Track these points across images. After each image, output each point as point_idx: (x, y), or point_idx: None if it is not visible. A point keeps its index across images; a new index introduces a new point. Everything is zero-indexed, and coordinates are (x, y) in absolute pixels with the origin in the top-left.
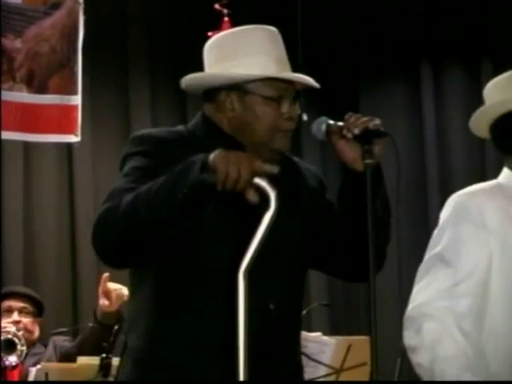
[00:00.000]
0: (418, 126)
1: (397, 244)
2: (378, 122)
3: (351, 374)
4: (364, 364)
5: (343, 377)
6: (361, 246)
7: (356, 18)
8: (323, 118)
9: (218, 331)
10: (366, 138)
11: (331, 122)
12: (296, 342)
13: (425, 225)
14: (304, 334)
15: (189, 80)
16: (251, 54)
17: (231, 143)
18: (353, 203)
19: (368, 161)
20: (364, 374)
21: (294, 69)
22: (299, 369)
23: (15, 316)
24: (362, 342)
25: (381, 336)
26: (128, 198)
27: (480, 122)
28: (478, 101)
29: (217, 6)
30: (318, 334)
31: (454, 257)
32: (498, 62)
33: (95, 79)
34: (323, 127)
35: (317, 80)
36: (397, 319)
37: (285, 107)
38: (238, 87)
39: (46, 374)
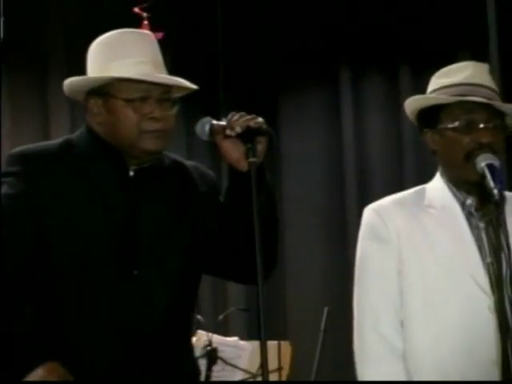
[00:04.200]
0: (337, 131)
1: (312, 247)
2: (259, 119)
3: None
4: (281, 369)
5: None
6: (251, 247)
7: (277, 23)
8: (207, 119)
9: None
10: (248, 137)
11: (215, 121)
12: (184, 354)
13: (343, 228)
14: (221, 338)
15: (65, 87)
16: (113, 59)
17: (109, 150)
18: (240, 203)
19: (251, 159)
20: (281, 378)
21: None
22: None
23: None
24: (280, 346)
25: (300, 340)
26: None
27: (408, 111)
28: (397, 107)
29: (136, 10)
30: (235, 338)
31: (361, 273)
32: (416, 69)
33: (13, 82)
34: (207, 127)
35: (236, 85)
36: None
37: (147, 108)
38: (101, 92)
39: None
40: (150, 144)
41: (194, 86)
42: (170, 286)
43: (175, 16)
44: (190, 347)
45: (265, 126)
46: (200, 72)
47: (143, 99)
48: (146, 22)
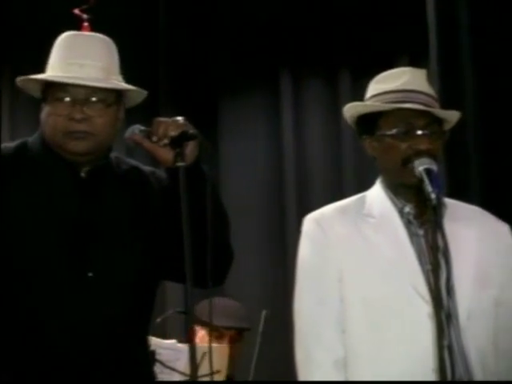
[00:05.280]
0: (276, 134)
1: (251, 249)
2: (183, 122)
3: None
4: (219, 372)
5: None
6: (198, 250)
7: (217, 26)
8: (136, 126)
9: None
10: (176, 142)
11: (142, 128)
12: (139, 357)
13: (282, 231)
14: (159, 341)
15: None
16: (52, 61)
17: (51, 154)
18: (178, 204)
19: (180, 163)
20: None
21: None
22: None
23: None
24: (217, 349)
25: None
26: None
27: (347, 117)
28: (336, 110)
29: (76, 11)
30: (173, 341)
31: (301, 283)
32: (356, 73)
33: None
34: (134, 135)
35: (177, 87)
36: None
37: (65, 109)
38: (42, 95)
39: None
40: (72, 145)
41: (108, 86)
42: (124, 288)
43: (116, 19)
44: (146, 350)
45: (191, 131)
46: (140, 74)
47: (59, 100)
48: (86, 24)
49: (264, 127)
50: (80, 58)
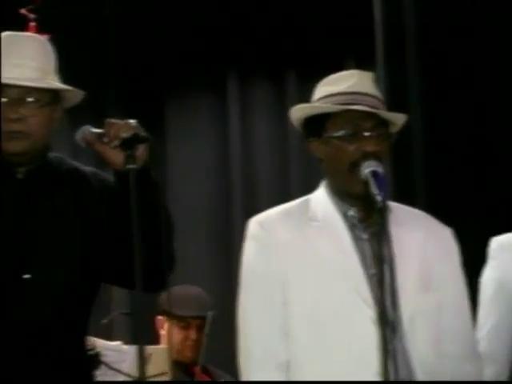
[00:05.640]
0: (223, 137)
1: (197, 252)
2: (134, 125)
3: None
4: (164, 373)
5: None
6: (145, 254)
7: (165, 27)
8: (86, 127)
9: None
10: (126, 144)
11: (93, 129)
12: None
13: (228, 234)
14: (104, 342)
15: None
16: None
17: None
18: (127, 205)
19: (131, 166)
20: None
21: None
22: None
23: None
24: (162, 351)
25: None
26: None
27: (293, 119)
28: (283, 112)
29: (23, 11)
30: (119, 343)
31: (245, 286)
32: (303, 75)
33: None
34: (84, 136)
35: (124, 91)
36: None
37: (2, 110)
38: None
39: None
40: (7, 145)
41: (42, 85)
42: (61, 290)
43: (63, 19)
44: (83, 351)
45: (142, 133)
46: (88, 74)
47: (8, 101)
48: (32, 24)
49: (211, 128)
50: (16, 59)
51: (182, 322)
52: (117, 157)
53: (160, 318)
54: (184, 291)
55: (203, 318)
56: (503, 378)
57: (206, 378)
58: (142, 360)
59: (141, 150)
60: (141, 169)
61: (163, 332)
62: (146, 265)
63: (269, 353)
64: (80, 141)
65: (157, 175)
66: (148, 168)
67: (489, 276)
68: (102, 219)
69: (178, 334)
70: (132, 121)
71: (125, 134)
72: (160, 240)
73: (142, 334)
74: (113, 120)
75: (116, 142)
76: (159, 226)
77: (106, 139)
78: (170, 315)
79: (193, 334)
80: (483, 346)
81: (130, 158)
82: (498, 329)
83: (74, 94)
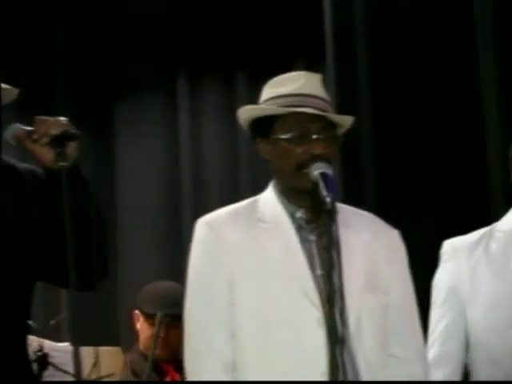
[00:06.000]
0: (173, 138)
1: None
2: (65, 122)
3: None
4: (112, 374)
5: None
6: (79, 253)
7: (115, 26)
8: (16, 124)
9: None
10: (57, 141)
11: (23, 127)
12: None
13: (178, 236)
14: (52, 344)
15: None
16: None
17: None
18: (57, 204)
19: (61, 163)
20: None
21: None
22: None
23: None
24: (110, 352)
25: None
26: None
27: (241, 120)
28: (233, 113)
29: None
30: (66, 344)
31: (192, 286)
32: (253, 75)
33: None
34: (14, 133)
35: (73, 90)
36: None
37: None
38: None
39: None
40: None
41: None
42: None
43: (12, 17)
44: (24, 353)
45: (73, 131)
46: (36, 72)
47: None
48: None
49: (160, 127)
50: None
51: (150, 319)
52: (47, 154)
53: (136, 312)
54: (155, 288)
55: (175, 316)
56: (456, 378)
57: (177, 376)
58: (78, 361)
59: (71, 148)
60: (71, 166)
61: (138, 327)
62: (77, 263)
63: (215, 353)
64: (10, 139)
65: (105, 175)
66: (78, 166)
67: (441, 278)
68: (35, 217)
69: (147, 331)
70: (62, 118)
71: (55, 132)
72: (90, 239)
73: (84, 335)
74: (43, 117)
75: (46, 140)
76: (89, 225)
77: (35, 136)
78: (141, 311)
79: (161, 332)
80: (436, 347)
81: (60, 155)
82: (451, 330)
83: (8, 92)
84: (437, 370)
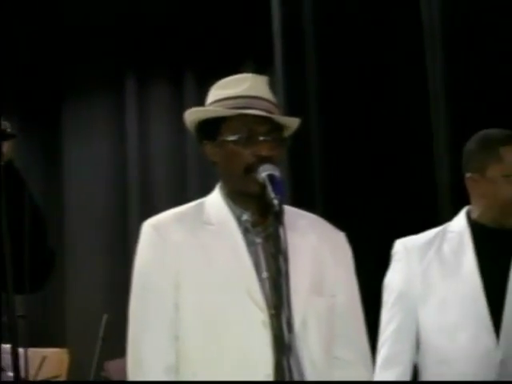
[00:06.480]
0: (121, 137)
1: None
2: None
3: None
4: (58, 376)
5: None
6: (15, 255)
7: (63, 26)
8: None
9: None
10: None
11: None
12: None
13: (124, 238)
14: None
15: None
16: None
17: None
18: None
19: None
20: None
21: None
22: None
23: None
24: (56, 353)
25: (79, 347)
26: None
27: (187, 122)
28: (182, 113)
29: None
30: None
31: (137, 288)
32: (201, 76)
33: None
34: None
35: (20, 90)
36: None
37: None
38: None
39: None
40: None
41: None
42: None
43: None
44: None
45: (8, 130)
46: None
47: None
48: None
49: (108, 128)
50: None
51: None
52: None
53: None
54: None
55: None
56: (406, 379)
57: None
58: (17, 362)
59: (6, 147)
60: (5, 165)
61: None
62: (14, 265)
63: (157, 356)
64: None
65: (53, 174)
66: (14, 165)
67: (392, 279)
68: None
69: None
70: None
71: None
72: (24, 239)
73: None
74: None
75: None
76: (25, 225)
77: None
78: None
79: None
80: (386, 347)
81: None
82: (401, 331)
83: None
84: (387, 370)
